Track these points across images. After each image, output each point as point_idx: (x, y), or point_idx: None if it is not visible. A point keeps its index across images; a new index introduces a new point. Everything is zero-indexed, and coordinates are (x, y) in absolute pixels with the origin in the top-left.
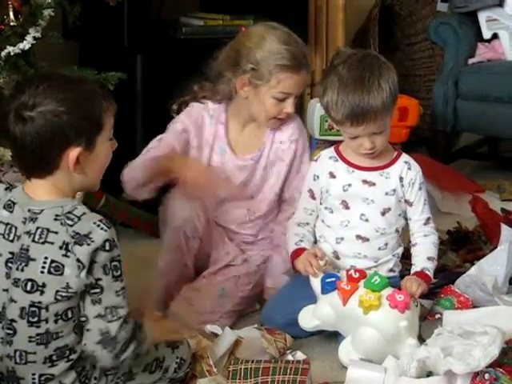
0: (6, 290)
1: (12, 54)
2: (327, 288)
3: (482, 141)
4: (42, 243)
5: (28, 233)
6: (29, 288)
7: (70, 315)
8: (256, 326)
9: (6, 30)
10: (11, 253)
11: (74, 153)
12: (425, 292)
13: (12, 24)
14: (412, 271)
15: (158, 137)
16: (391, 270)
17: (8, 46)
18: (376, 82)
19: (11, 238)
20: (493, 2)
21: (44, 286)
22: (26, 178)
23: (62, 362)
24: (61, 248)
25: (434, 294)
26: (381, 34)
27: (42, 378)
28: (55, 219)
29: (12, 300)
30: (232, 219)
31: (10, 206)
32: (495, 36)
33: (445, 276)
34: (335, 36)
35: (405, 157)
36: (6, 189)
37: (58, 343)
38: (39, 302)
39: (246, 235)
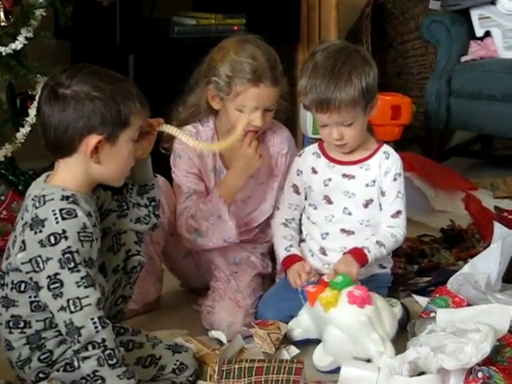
0: None
1: (4, 54)
2: (305, 295)
3: (475, 138)
4: (21, 218)
5: (23, 208)
6: (6, 255)
7: (22, 288)
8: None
9: None
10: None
11: (93, 139)
12: (354, 272)
13: (3, 24)
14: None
15: (185, 191)
16: (381, 266)
17: (0, 46)
18: (346, 73)
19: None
20: None
21: (9, 255)
22: (53, 160)
23: (16, 332)
24: (22, 226)
25: (427, 292)
26: (373, 32)
27: (5, 344)
28: (33, 199)
29: None
30: None
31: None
32: (488, 34)
33: (438, 274)
34: (328, 34)
35: (385, 148)
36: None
37: (14, 311)
38: (4, 267)
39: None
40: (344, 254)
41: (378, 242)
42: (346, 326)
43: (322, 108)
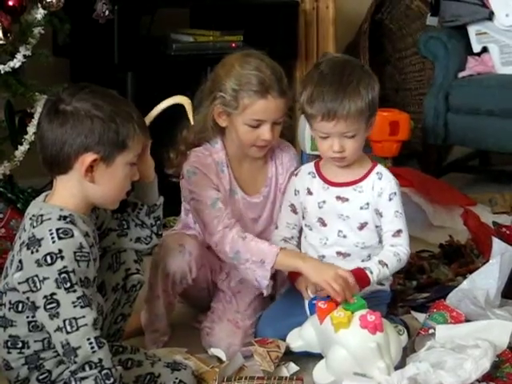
0: None
1: (2, 72)
2: (313, 309)
3: (472, 154)
4: (19, 238)
5: (21, 228)
6: (4, 274)
7: (20, 308)
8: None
9: None
10: None
11: (88, 158)
12: (355, 291)
13: (2, 42)
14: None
15: (209, 203)
16: (380, 283)
17: None
18: (354, 83)
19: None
20: (482, 15)
21: (7, 275)
22: (50, 177)
23: (14, 352)
24: (20, 246)
25: (426, 308)
26: (371, 48)
27: (4, 364)
28: (30, 218)
29: None
30: None
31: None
32: (485, 49)
33: (437, 290)
34: (325, 50)
35: (378, 168)
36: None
37: (11, 331)
38: (1, 287)
39: None
40: None
41: (380, 262)
42: (354, 349)
43: (328, 116)
